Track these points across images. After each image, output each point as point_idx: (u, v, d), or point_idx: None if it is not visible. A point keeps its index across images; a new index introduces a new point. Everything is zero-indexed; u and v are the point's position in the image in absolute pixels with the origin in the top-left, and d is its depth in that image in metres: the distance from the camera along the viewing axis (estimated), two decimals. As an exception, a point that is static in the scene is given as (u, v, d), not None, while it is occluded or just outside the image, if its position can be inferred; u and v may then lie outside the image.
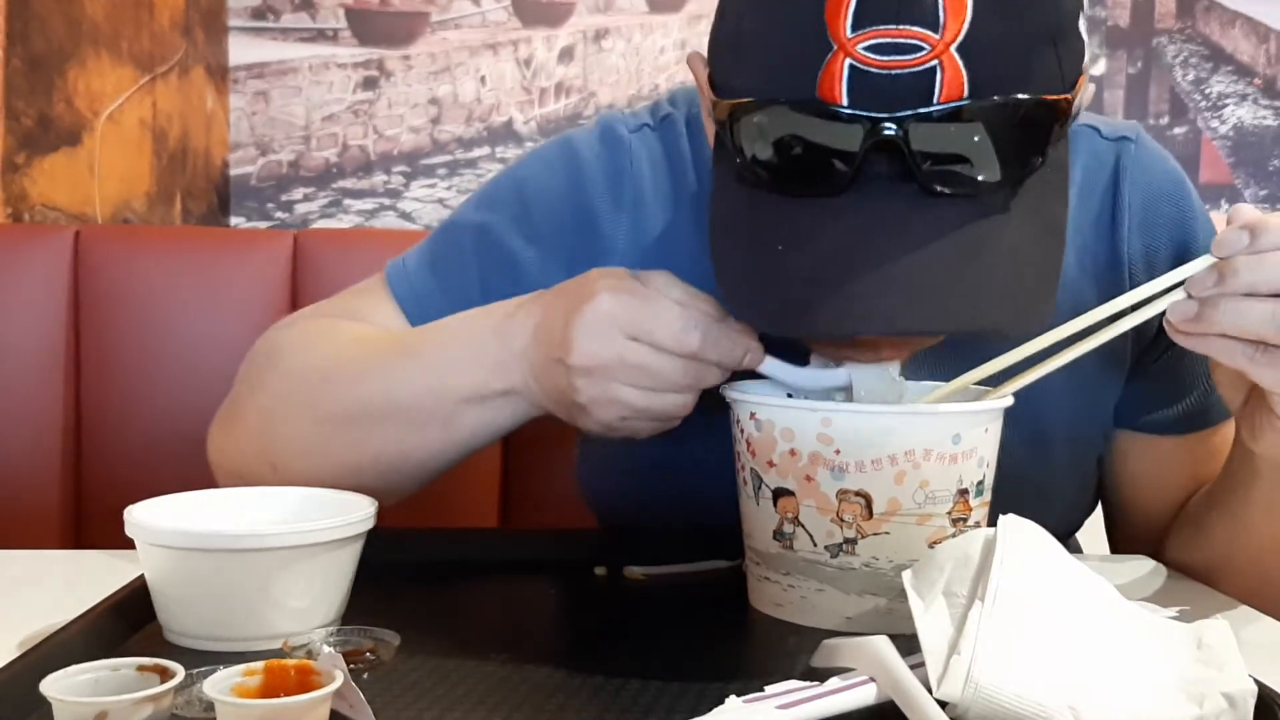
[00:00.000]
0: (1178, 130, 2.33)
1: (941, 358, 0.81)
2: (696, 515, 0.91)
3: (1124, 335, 0.87)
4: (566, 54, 2.28)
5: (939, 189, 0.70)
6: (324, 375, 0.88)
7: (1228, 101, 2.35)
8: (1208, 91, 2.35)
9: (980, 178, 0.70)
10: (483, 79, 2.26)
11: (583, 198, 0.92)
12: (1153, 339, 0.91)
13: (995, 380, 0.76)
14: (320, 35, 2.24)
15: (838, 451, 0.70)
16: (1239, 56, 2.34)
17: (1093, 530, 1.03)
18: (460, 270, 0.93)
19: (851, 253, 0.69)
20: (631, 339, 0.74)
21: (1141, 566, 0.94)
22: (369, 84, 2.25)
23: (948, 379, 0.77)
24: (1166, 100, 2.33)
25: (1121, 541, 1.02)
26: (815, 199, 0.71)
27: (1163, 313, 0.73)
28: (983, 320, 0.69)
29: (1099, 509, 1.05)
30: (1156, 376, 0.93)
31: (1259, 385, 0.73)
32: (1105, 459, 0.97)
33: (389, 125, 2.26)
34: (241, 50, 2.22)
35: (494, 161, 2.26)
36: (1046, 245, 0.72)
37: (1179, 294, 0.72)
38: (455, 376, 0.82)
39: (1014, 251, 0.70)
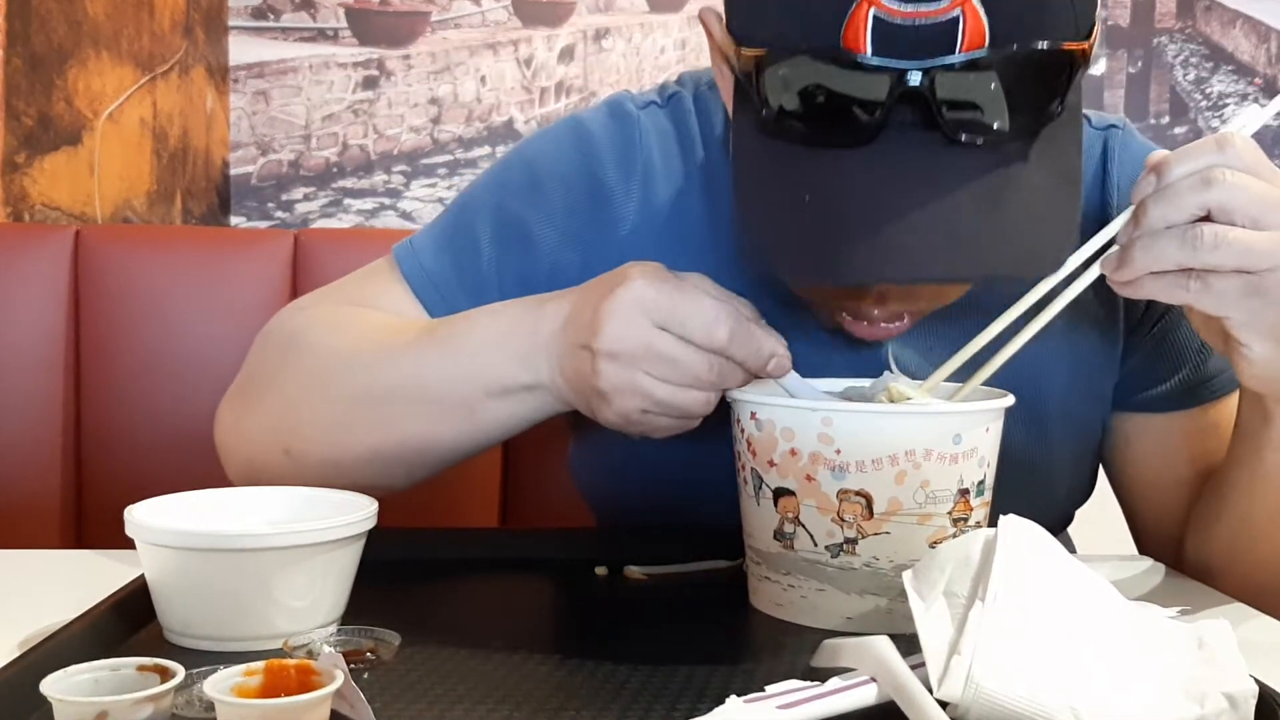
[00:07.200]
0: (1178, 130, 2.33)
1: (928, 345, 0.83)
2: (686, 508, 0.91)
3: (1115, 314, 0.91)
4: (567, 54, 2.27)
5: (962, 137, 0.70)
6: (350, 358, 0.87)
7: (1228, 101, 2.35)
8: (1208, 91, 2.35)
9: (1001, 126, 0.71)
10: (483, 79, 2.26)
11: (594, 168, 0.92)
12: (1141, 315, 0.92)
13: (970, 366, 0.77)
14: (320, 35, 2.24)
15: (838, 451, 0.70)
16: (1239, 56, 2.34)
17: (1092, 531, 1.03)
18: (474, 251, 0.93)
19: (880, 201, 0.70)
20: (660, 328, 0.74)
21: (1141, 566, 0.94)
22: (369, 83, 2.25)
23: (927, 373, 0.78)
24: (1167, 100, 2.33)
25: (1143, 539, 1.00)
26: (840, 149, 0.72)
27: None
28: (1007, 266, 0.71)
29: (1103, 510, 1.05)
30: (1149, 353, 0.93)
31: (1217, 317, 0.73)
32: (1110, 449, 0.97)
33: (389, 125, 2.26)
34: (242, 50, 2.22)
35: (494, 161, 2.26)
36: (1065, 193, 0.73)
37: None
38: (481, 367, 0.82)
39: (1034, 199, 0.71)
